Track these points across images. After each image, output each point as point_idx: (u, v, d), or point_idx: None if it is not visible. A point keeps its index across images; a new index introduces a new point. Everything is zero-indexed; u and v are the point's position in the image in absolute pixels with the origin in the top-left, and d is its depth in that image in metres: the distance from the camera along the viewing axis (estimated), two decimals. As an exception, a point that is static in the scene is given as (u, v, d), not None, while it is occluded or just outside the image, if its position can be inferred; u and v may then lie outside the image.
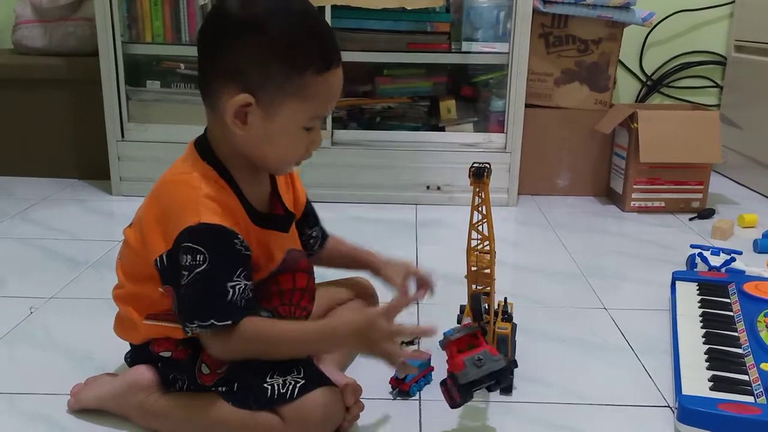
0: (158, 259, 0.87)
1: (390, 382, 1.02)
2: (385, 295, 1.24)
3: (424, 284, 1.12)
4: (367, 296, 1.19)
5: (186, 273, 0.84)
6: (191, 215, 0.84)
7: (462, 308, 1.20)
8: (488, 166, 0.97)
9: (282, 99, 0.85)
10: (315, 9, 0.89)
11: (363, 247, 1.16)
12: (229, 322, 0.85)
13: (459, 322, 1.08)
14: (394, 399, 1.00)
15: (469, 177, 0.98)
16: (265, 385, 0.87)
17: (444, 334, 0.93)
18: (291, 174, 1.04)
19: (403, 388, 1.00)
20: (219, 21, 0.87)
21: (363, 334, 0.87)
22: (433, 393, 0.97)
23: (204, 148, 0.91)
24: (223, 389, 0.90)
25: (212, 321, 0.84)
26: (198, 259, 0.83)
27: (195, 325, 0.85)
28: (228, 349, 0.88)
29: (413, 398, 1.01)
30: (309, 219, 1.09)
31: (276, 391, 0.86)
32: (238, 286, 0.85)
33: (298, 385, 0.87)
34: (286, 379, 0.87)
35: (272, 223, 0.94)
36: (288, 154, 0.91)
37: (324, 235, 1.13)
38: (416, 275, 1.12)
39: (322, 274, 1.21)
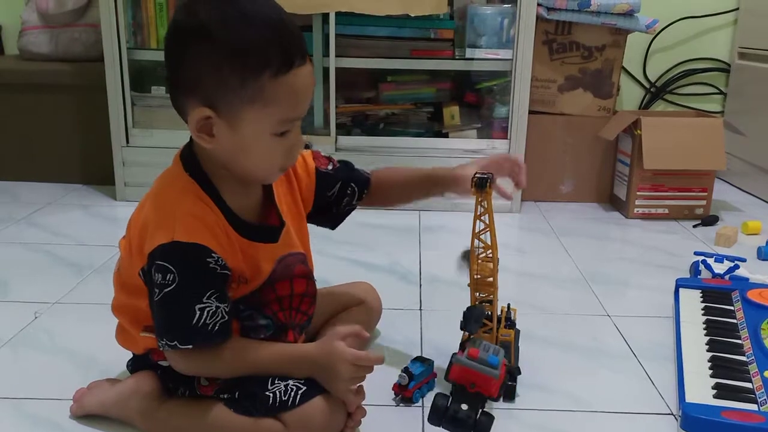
0: (140, 271, 0.87)
1: (393, 389, 1.02)
2: (386, 299, 1.24)
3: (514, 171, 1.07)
4: (370, 302, 1.19)
5: (157, 291, 0.84)
6: (166, 232, 0.83)
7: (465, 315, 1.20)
8: (491, 176, 0.97)
9: (242, 107, 0.81)
10: (273, 8, 0.83)
11: (417, 168, 1.13)
12: (190, 346, 0.85)
13: (462, 328, 1.08)
14: (397, 405, 1.00)
15: (472, 187, 0.98)
16: (267, 393, 0.87)
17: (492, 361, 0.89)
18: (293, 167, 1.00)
19: (406, 394, 1.00)
20: (172, 34, 0.84)
21: (323, 369, 0.88)
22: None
23: (189, 159, 0.89)
24: (225, 396, 0.90)
25: (176, 342, 0.84)
26: (168, 278, 0.82)
27: (164, 342, 0.85)
28: (191, 368, 0.89)
29: (416, 404, 1.01)
30: (328, 182, 1.04)
31: (278, 399, 0.86)
32: (208, 309, 0.84)
33: (300, 391, 0.87)
34: (287, 384, 0.87)
35: (259, 235, 0.92)
36: (266, 163, 0.87)
37: (363, 183, 1.08)
38: (507, 162, 1.07)
39: (325, 279, 1.22)
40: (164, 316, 0.85)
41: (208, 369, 0.89)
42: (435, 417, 0.88)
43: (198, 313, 0.83)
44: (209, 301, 0.84)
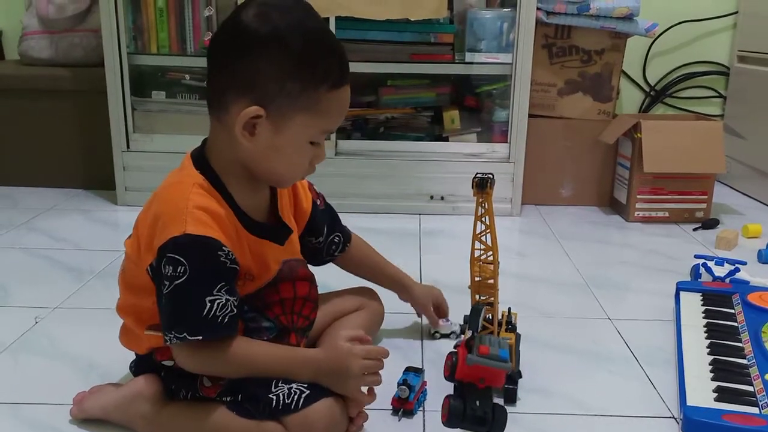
0: (149, 267, 0.88)
1: (392, 403, 0.99)
2: (388, 304, 1.24)
3: (442, 315, 1.23)
4: (372, 306, 1.19)
5: (167, 283, 0.84)
6: (177, 225, 0.84)
7: (466, 319, 1.20)
8: (491, 176, 0.97)
9: (293, 113, 0.85)
10: (326, 25, 0.90)
11: (390, 263, 1.22)
12: (200, 337, 0.85)
13: (462, 332, 1.08)
14: (399, 420, 0.98)
15: (472, 188, 0.98)
16: (271, 395, 0.87)
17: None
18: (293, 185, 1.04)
19: (407, 407, 0.98)
20: (235, 34, 0.86)
21: (332, 371, 0.89)
22: (435, 404, 0.97)
23: (199, 158, 0.91)
24: (228, 399, 0.90)
25: (185, 334, 0.85)
26: (179, 270, 0.83)
27: (172, 335, 0.85)
28: (197, 364, 0.89)
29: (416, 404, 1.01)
30: (317, 227, 1.08)
31: (281, 401, 0.86)
32: (218, 301, 0.84)
33: (303, 394, 0.87)
34: (291, 387, 0.87)
35: (267, 233, 0.94)
36: (292, 168, 0.91)
37: (346, 239, 1.14)
38: (440, 305, 1.23)
39: (326, 283, 1.21)
40: (174, 307, 0.85)
41: (214, 366, 0.89)
42: (454, 420, 0.87)
43: (208, 305, 0.84)
44: (219, 293, 0.85)
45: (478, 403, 0.87)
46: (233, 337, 0.88)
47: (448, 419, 0.87)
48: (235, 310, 0.87)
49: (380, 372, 0.91)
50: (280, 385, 0.87)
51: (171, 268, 0.84)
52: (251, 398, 0.88)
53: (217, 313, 0.84)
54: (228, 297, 0.86)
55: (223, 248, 0.85)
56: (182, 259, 0.83)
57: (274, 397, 0.86)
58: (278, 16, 0.84)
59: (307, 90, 0.85)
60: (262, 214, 0.96)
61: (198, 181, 0.89)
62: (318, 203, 1.09)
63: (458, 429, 0.88)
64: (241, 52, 0.85)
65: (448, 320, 1.24)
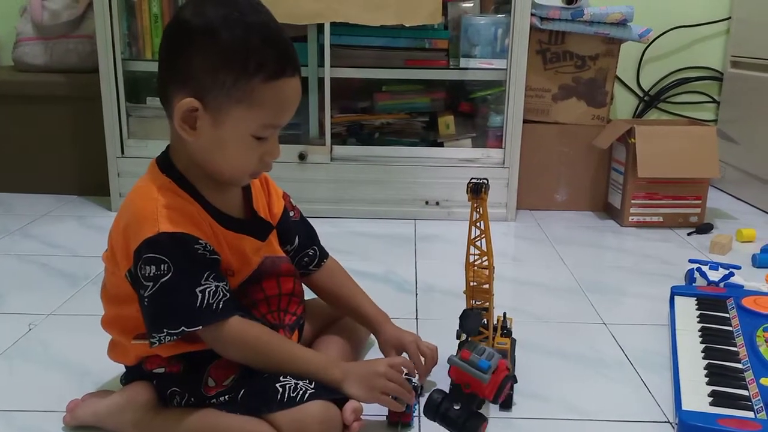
0: (127, 273, 0.88)
1: (390, 417, 0.98)
2: (382, 308, 1.24)
3: (418, 367, 1.05)
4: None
5: (151, 284, 0.85)
6: (150, 226, 0.85)
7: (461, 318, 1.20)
8: (486, 181, 0.97)
9: (229, 105, 0.85)
10: (272, 20, 0.88)
11: (367, 297, 1.13)
12: (200, 327, 0.86)
13: (458, 337, 1.08)
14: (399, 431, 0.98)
15: (467, 193, 0.98)
16: (278, 385, 0.87)
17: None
18: (267, 183, 1.05)
19: (405, 419, 0.97)
20: (174, 29, 0.88)
21: (368, 381, 0.90)
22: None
23: (164, 162, 0.93)
24: (226, 398, 0.90)
25: (182, 328, 0.85)
26: (162, 268, 0.84)
27: (164, 334, 0.85)
28: (223, 351, 0.90)
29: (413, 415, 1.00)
30: (288, 233, 1.06)
31: (287, 394, 0.86)
32: (208, 289, 0.86)
33: (308, 392, 0.87)
34: (298, 383, 0.87)
35: (245, 228, 0.94)
36: (239, 164, 0.91)
37: (322, 255, 1.12)
38: (408, 353, 1.07)
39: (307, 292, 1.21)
40: (164, 305, 0.86)
41: (238, 353, 0.89)
42: (429, 411, 0.90)
43: (200, 295, 0.85)
44: (207, 282, 0.86)
45: (458, 405, 0.88)
46: (229, 318, 0.87)
47: (424, 409, 0.90)
48: (228, 294, 0.87)
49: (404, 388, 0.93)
50: (288, 378, 0.88)
51: (153, 267, 0.84)
52: (256, 392, 0.88)
53: (210, 301, 0.85)
54: (217, 283, 0.87)
55: (200, 241, 0.86)
56: (164, 257, 0.84)
57: (281, 388, 0.86)
58: (212, 10, 0.85)
59: (240, 81, 0.84)
60: (237, 211, 0.96)
61: (164, 183, 0.90)
62: (292, 214, 1.08)
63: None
64: (179, 46, 0.86)
65: (413, 381, 0.98)
